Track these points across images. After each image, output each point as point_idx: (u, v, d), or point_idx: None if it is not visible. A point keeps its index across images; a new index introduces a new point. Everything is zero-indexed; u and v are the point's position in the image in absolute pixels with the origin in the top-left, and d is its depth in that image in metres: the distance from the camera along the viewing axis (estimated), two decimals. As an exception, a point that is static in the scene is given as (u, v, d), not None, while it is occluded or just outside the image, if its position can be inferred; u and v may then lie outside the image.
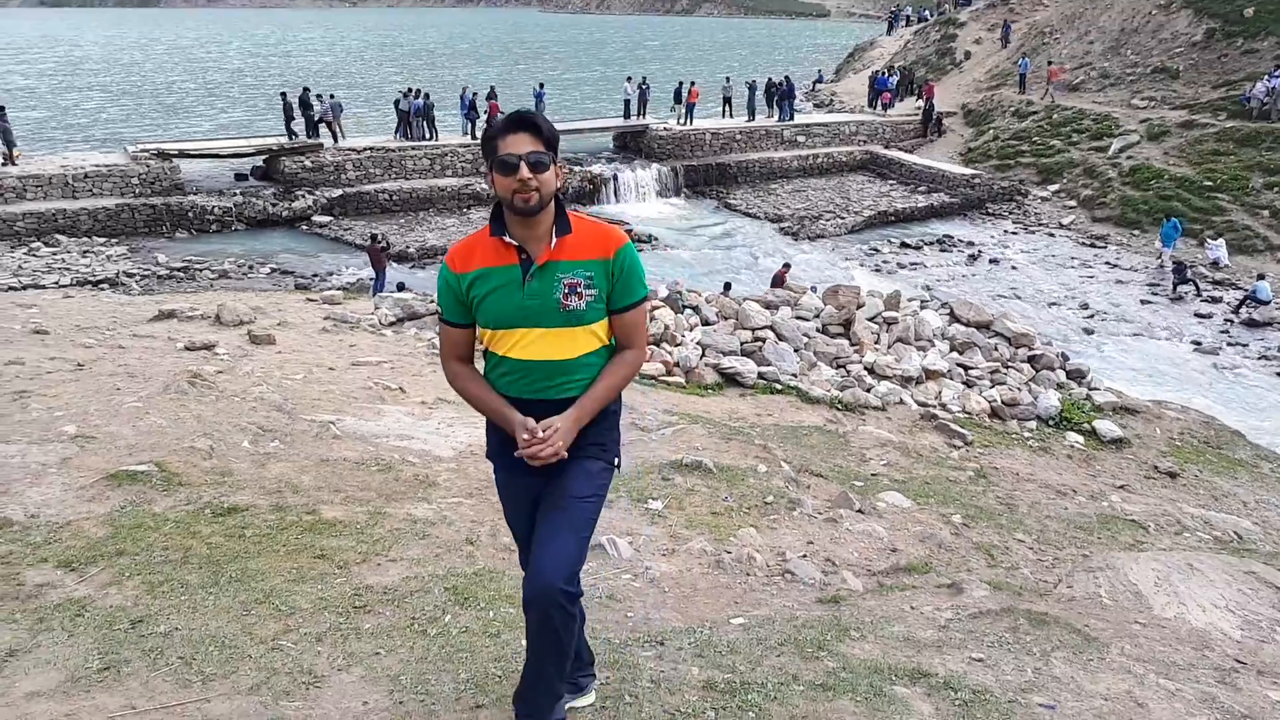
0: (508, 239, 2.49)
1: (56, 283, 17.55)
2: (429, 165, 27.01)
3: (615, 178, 28.47)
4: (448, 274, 2.57)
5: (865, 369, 10.80)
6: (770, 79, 33.85)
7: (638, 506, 5.41)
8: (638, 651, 3.43)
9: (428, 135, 27.66)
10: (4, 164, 22.23)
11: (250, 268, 20.41)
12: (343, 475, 5.24)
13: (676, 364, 9.92)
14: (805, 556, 4.82)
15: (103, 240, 21.31)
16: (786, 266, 19.08)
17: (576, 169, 28.71)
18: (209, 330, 9.42)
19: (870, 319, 11.75)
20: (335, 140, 26.67)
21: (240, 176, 26.28)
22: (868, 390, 10.21)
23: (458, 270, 2.55)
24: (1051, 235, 25.98)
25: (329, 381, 7.56)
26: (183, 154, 24.64)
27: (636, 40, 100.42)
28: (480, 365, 2.72)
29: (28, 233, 20.79)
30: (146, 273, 19.22)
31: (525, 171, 2.40)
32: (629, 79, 32.12)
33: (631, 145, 31.05)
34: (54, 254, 19.88)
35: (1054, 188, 28.55)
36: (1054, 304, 20.64)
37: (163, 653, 3.26)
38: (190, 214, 23.18)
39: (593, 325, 2.55)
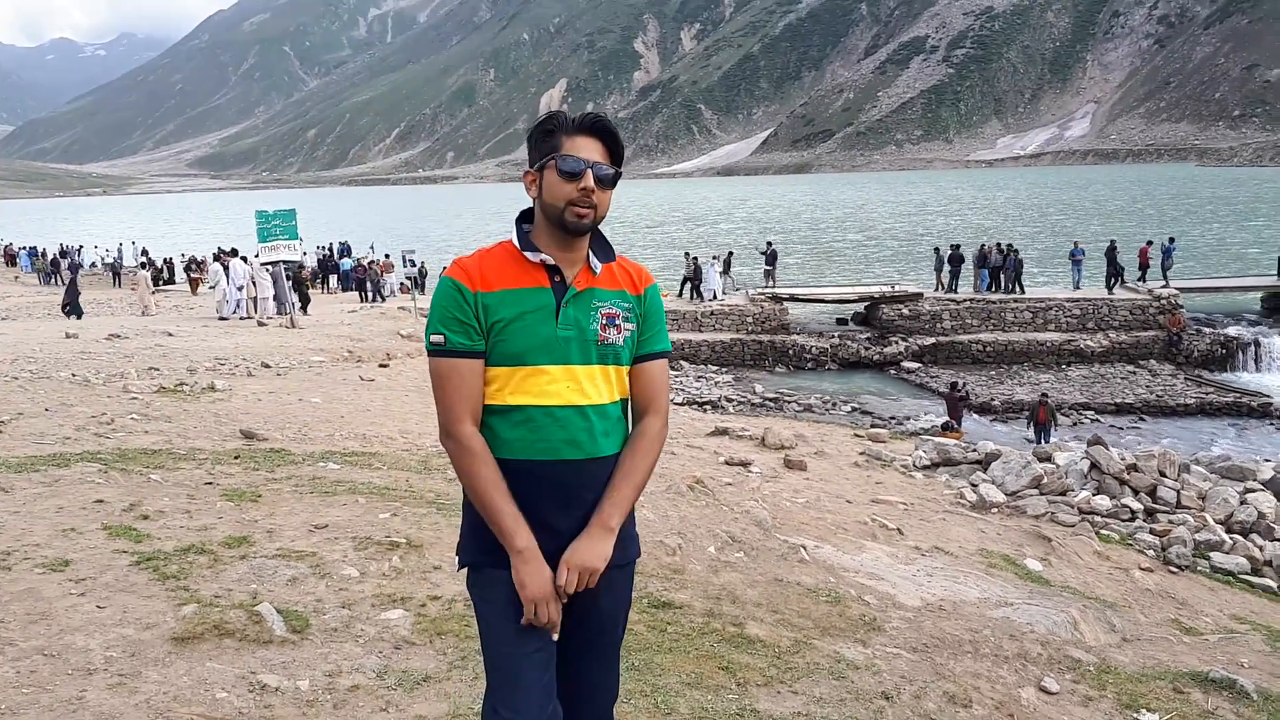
0: (537, 256, 2.12)
1: (672, 400, 20.38)
2: (1030, 318, 26.05)
3: (1257, 343, 24.25)
4: (459, 290, 2.09)
5: None
6: None
7: (1123, 713, 4.36)
8: None
9: (1013, 289, 26.96)
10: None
11: (833, 404, 21.43)
12: (788, 598, 5.12)
13: (1268, 562, 7.90)
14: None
15: (715, 368, 24.37)
16: None
17: (1207, 330, 25.18)
18: (751, 450, 10.08)
19: None
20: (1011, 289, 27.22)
21: (841, 321, 28.11)
22: None
23: (476, 286, 2.09)
24: None
25: (831, 510, 7.52)
26: (793, 298, 27.21)
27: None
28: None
29: (660, 357, 24.64)
30: (743, 399, 21.33)
31: (590, 180, 2.07)
32: (1287, 230, 27.50)
33: (1289, 306, 26.35)
34: (675, 376, 23.22)
35: None
36: None
37: (536, 713, 3.46)
38: (790, 351, 25.38)
39: (623, 368, 2.20)
